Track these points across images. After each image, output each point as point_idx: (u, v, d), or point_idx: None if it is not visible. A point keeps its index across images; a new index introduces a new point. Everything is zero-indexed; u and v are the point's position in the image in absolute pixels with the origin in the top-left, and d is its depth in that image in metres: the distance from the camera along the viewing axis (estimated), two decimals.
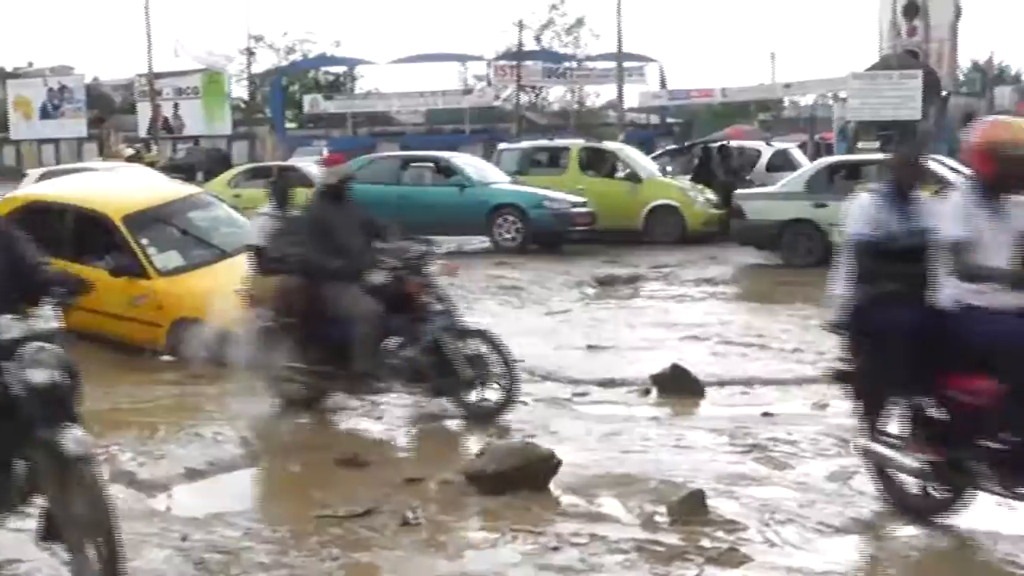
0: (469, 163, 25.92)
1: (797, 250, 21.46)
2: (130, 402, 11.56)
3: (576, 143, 29.59)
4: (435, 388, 10.29)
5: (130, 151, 40.79)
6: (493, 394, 10.25)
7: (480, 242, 24.48)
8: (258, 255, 11.59)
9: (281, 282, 10.72)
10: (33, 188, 19.15)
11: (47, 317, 6.14)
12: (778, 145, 34.88)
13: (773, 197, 22.67)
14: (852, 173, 22.69)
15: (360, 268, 10.23)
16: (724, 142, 32.83)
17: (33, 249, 6.52)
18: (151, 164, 35.13)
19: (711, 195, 26.77)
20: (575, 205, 24.39)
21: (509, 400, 10.22)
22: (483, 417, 10.16)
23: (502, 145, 30.53)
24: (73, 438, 5.83)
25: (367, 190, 23.75)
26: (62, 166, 34.48)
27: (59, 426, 5.87)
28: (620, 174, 27.20)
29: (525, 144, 30.10)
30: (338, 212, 10.58)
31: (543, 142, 31.64)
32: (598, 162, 27.91)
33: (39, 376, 5.91)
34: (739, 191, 23.98)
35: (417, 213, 22.44)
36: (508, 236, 24.02)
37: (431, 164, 25.99)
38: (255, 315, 10.93)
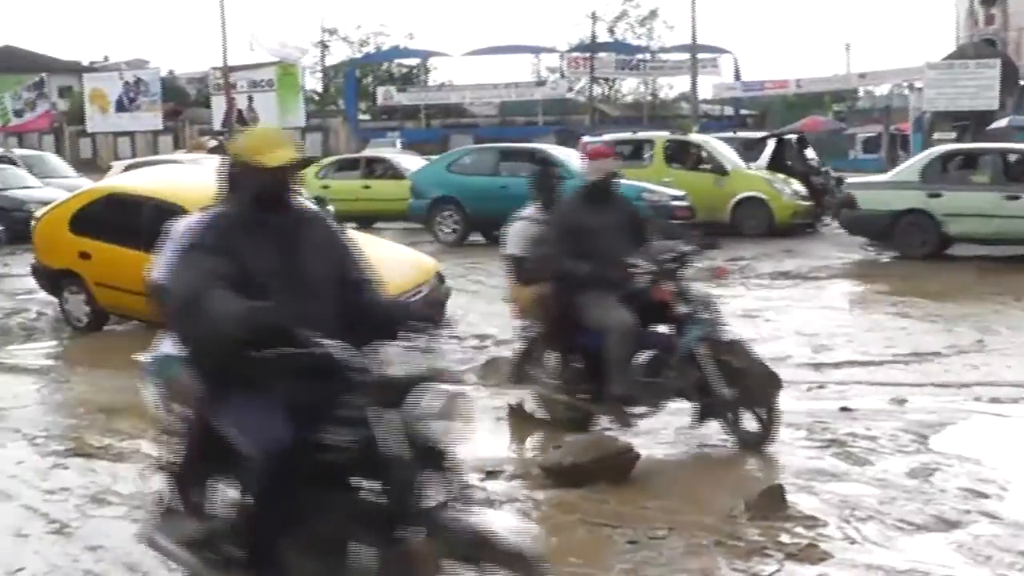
0: (567, 155, 25.03)
1: (911, 242, 21.19)
2: None
3: (661, 135, 29.24)
4: (701, 411, 9.07)
5: (213, 143, 41.07)
6: (750, 422, 8.94)
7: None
8: (517, 264, 10.35)
9: (538, 291, 9.73)
10: (113, 180, 19.38)
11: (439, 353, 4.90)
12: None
13: (886, 187, 22.21)
14: (967, 162, 22.40)
15: (615, 273, 9.07)
16: (800, 133, 32.58)
17: None
18: None
19: (798, 187, 26.46)
20: (675, 198, 23.92)
21: (769, 432, 8.82)
22: (753, 446, 8.88)
23: (586, 138, 30.28)
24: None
25: (465, 181, 23.91)
26: (147, 158, 34.90)
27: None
28: (706, 167, 26.81)
29: (609, 136, 29.86)
30: (599, 212, 9.36)
31: (627, 134, 31.23)
32: (683, 154, 27.51)
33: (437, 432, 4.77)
34: (851, 179, 23.69)
35: (515, 204, 22.52)
36: None
37: (529, 156, 25.25)
38: (521, 327, 10.18)
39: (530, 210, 10.83)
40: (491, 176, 24.37)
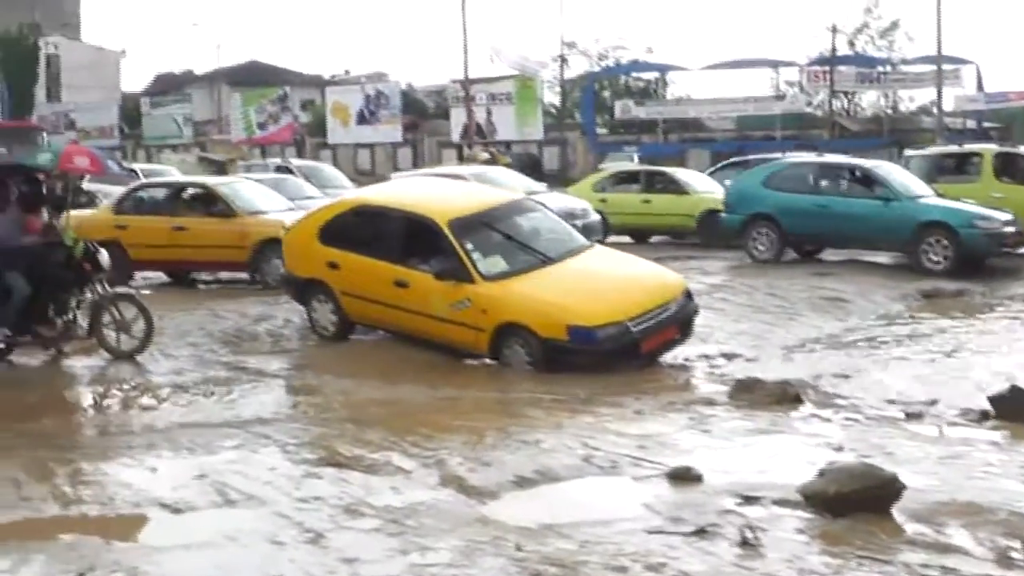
0: (894, 174, 23.65)
1: None
2: (454, 406, 11.68)
3: (989, 148, 27.73)
4: None
5: (485, 155, 41.63)
6: None
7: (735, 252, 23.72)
8: None
9: None
10: (362, 192, 19.66)
11: None
12: None
13: None
14: None
15: None
16: None
17: None
18: (507, 166, 35.61)
19: None
20: (1006, 224, 22.09)
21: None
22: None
23: (908, 151, 29.28)
24: None
25: (782, 197, 23.33)
26: (426, 170, 35.39)
27: None
28: None
29: (932, 150, 28.48)
30: None
31: (952, 148, 29.91)
32: (1013, 168, 25.61)
33: None
34: None
35: (836, 225, 22.14)
36: (935, 258, 21.37)
37: (850, 173, 23.77)
38: None
39: None
40: (810, 194, 23.20)
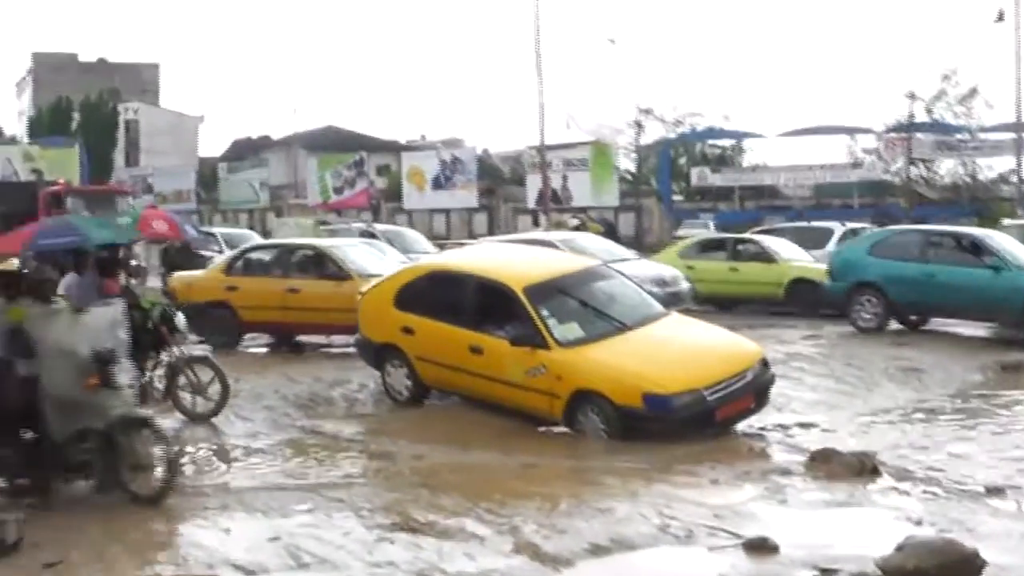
0: (1004, 242, 23.03)
1: None
2: (528, 473, 11.67)
3: None
4: None
5: (575, 221, 41.86)
6: None
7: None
8: None
9: None
10: (437, 257, 19.76)
11: None
12: None
13: None
14: None
15: None
16: None
17: None
18: (598, 233, 35.66)
19: None
20: None
21: None
22: None
23: (1006, 221, 28.72)
24: None
25: (887, 265, 23.00)
26: (514, 235, 35.45)
27: None
28: None
29: None
30: None
31: None
32: None
33: None
34: None
35: (943, 294, 21.69)
36: None
37: (957, 241, 23.18)
38: None
39: None
40: (918, 262, 22.62)
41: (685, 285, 24.62)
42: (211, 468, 12.34)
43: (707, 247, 29.97)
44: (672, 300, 23.22)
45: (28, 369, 10.55)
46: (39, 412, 10.51)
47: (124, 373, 10.80)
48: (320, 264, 20.83)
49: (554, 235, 27.90)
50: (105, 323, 10.98)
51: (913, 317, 23.26)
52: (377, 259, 21.49)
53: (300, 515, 9.91)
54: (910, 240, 23.66)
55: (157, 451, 10.69)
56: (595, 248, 24.43)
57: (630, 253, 27.35)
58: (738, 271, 27.83)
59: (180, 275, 22.12)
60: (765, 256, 27.75)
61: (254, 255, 22.21)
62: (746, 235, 31.19)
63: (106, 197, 40.27)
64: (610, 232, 46.57)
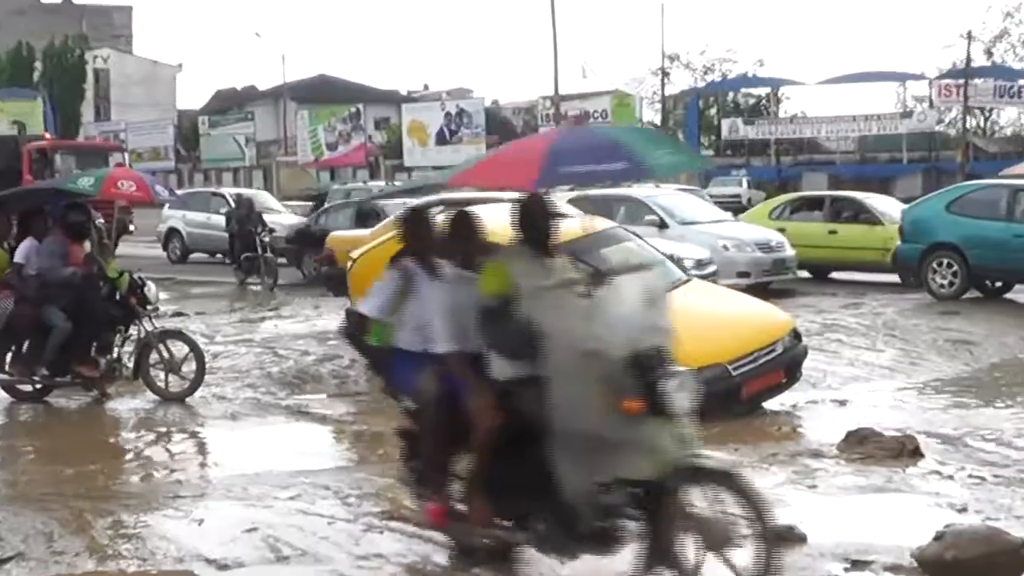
0: None
1: None
2: None
3: None
4: None
5: None
6: None
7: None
8: None
9: None
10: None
11: None
12: None
13: None
14: None
15: None
16: None
17: None
18: None
19: None
20: None
21: None
22: None
23: None
24: None
25: (967, 224, 22.42)
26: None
27: None
28: None
29: None
30: None
31: None
32: None
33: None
34: None
35: None
36: None
37: None
38: None
39: None
40: (1003, 221, 22.29)
41: (790, 252, 24.54)
42: (183, 453, 12.40)
43: (802, 206, 29.55)
44: (776, 268, 23.33)
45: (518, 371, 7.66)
46: (540, 457, 7.39)
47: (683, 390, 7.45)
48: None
49: (637, 191, 26.79)
50: (643, 301, 7.58)
51: (995, 284, 23.08)
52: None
53: (281, 503, 9.92)
54: (993, 196, 23.23)
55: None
56: (687, 207, 25.17)
57: (726, 214, 27.26)
58: (838, 234, 27.23)
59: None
60: (870, 218, 27.08)
61: None
62: (848, 193, 30.88)
63: (98, 154, 40.44)
64: None
